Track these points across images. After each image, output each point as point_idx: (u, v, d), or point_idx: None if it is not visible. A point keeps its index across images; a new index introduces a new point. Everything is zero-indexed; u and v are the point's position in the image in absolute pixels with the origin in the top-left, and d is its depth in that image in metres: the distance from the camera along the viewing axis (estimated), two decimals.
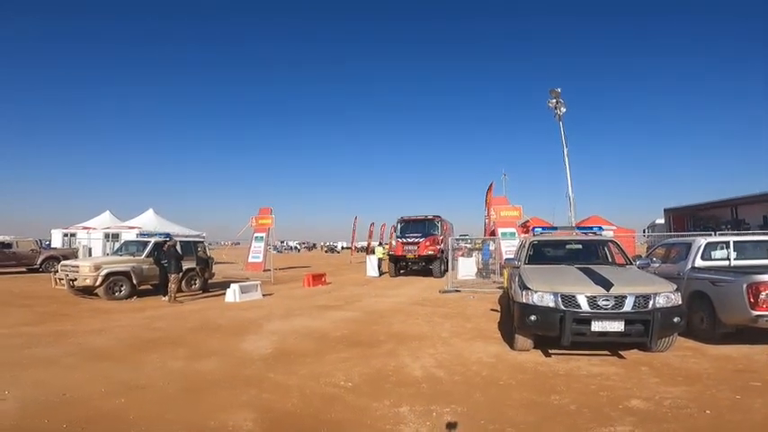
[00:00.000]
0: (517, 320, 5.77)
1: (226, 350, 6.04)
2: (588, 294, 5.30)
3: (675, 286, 5.50)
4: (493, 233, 17.03)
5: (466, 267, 17.23)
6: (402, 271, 19.43)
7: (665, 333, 5.30)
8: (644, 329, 5.11)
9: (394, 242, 19.22)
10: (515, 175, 70.85)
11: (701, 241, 7.21)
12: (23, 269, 19.22)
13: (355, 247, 38.79)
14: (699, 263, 6.97)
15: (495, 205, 17.04)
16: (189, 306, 10.49)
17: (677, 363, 5.21)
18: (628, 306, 5.19)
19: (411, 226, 19.39)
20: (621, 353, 5.59)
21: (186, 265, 12.18)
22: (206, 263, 13.42)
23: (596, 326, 5.15)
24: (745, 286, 5.46)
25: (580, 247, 8.06)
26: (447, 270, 18.28)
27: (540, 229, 8.66)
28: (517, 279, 6.36)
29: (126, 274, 11.35)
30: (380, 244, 25.10)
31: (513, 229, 16.36)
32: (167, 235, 13.07)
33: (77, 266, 11.15)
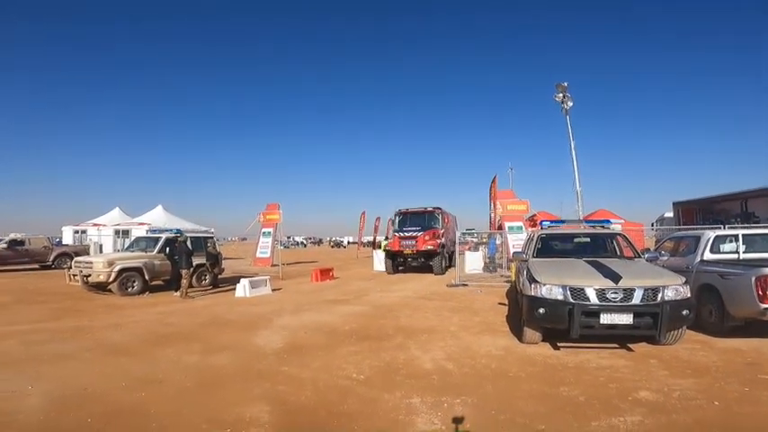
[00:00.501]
0: (526, 313, 5.83)
1: (238, 344, 6.16)
2: (597, 287, 5.34)
3: (684, 279, 5.52)
4: (500, 227, 17.01)
5: (473, 261, 17.26)
6: (401, 268, 18.17)
7: (674, 326, 5.33)
8: (653, 322, 5.14)
9: (390, 236, 18.04)
10: (522, 169, 70.36)
11: (710, 234, 7.20)
12: (36, 266, 19.52)
13: (362, 242, 38.88)
14: (708, 256, 6.97)
15: (501, 199, 16.98)
16: (200, 301, 10.65)
17: (686, 355, 5.25)
18: (636, 299, 5.22)
19: (410, 219, 17.94)
20: (630, 346, 5.64)
21: (196, 261, 12.34)
22: (216, 258, 13.57)
23: (605, 318, 5.19)
24: (753, 279, 5.46)
25: (588, 240, 8.08)
26: (449, 266, 17.93)
27: (548, 223, 8.68)
28: (525, 272, 6.41)
29: (138, 270, 11.52)
30: (387, 238, 25.11)
31: (520, 223, 16.34)
32: (178, 231, 13.21)
33: (91, 263, 11.35)
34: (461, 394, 4.05)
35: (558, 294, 5.44)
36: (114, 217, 28.49)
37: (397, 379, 4.57)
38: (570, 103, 16.97)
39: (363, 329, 7.10)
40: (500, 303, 9.44)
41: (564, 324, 5.31)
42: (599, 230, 8.28)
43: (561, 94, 16.92)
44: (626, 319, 5.17)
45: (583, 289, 5.37)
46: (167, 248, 12.02)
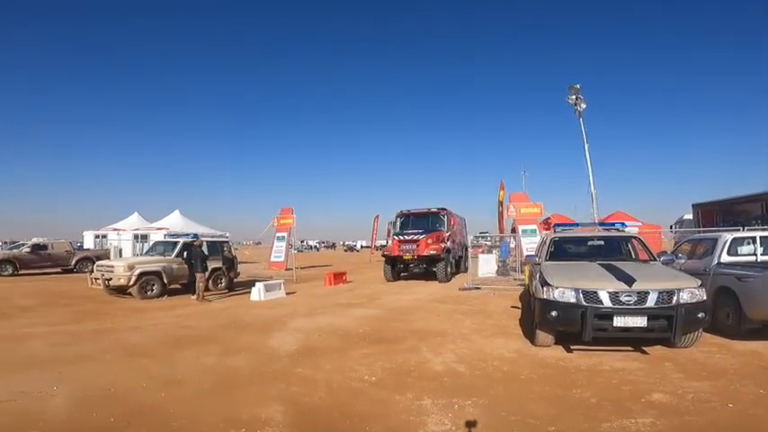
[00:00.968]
0: (538, 316, 5.83)
1: (254, 347, 6.28)
2: (610, 290, 5.32)
3: (700, 282, 5.46)
4: (513, 230, 16.90)
5: (486, 265, 17.17)
6: (403, 274, 16.61)
7: (690, 329, 5.27)
8: (667, 325, 5.11)
9: (389, 240, 16.45)
10: (536, 172, 69.95)
11: (728, 237, 7.10)
12: (59, 269, 20.10)
13: (375, 246, 38.97)
14: (725, 258, 6.87)
15: (515, 202, 16.90)
16: (216, 304, 10.85)
17: (702, 358, 5.19)
18: (651, 301, 5.19)
19: (412, 221, 16.31)
20: (645, 349, 5.59)
21: (212, 265, 12.60)
22: (231, 262, 13.80)
23: (618, 321, 5.17)
24: None
25: (602, 243, 8.03)
26: (456, 272, 16.91)
27: (560, 226, 8.64)
28: (538, 275, 6.40)
29: (157, 274, 11.79)
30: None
31: (534, 227, 16.25)
32: (195, 235, 13.49)
33: (112, 266, 11.66)
34: (472, 396, 4.09)
35: (570, 297, 5.43)
36: (133, 222, 29.16)
37: (408, 381, 4.62)
38: (583, 105, 16.86)
39: (376, 332, 7.16)
40: (513, 306, 9.41)
41: (576, 327, 5.30)
42: (613, 233, 8.22)
43: (574, 96, 16.82)
44: (640, 321, 5.15)
45: (596, 292, 5.36)
46: (185, 253, 12.28)
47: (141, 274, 11.44)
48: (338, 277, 15.54)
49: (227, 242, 15.01)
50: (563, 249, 7.77)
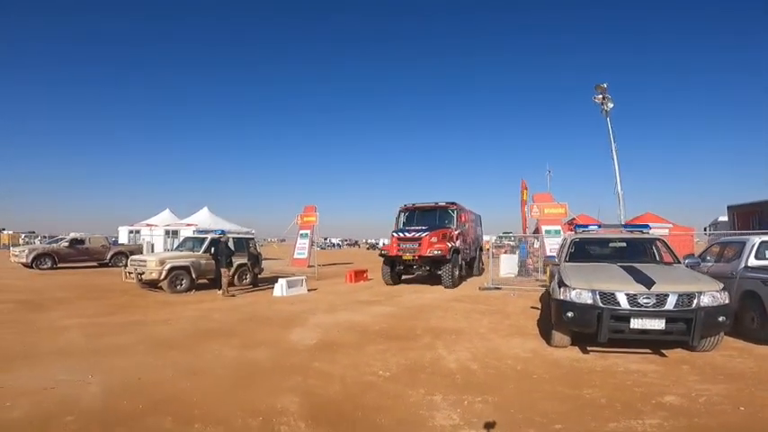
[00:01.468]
0: (554, 317, 5.84)
1: (274, 341, 6.51)
2: (628, 292, 5.29)
3: (722, 285, 5.36)
4: (536, 231, 16.68)
5: (508, 265, 17.03)
6: (406, 277, 14.95)
7: (710, 332, 5.19)
8: (686, 328, 5.05)
9: (388, 239, 14.63)
10: (561, 171, 68.36)
11: (755, 240, 6.90)
12: (95, 263, 21.02)
13: None
14: (752, 262, 6.68)
15: (539, 202, 16.68)
16: (240, 299, 11.21)
17: (721, 362, 5.11)
18: (670, 304, 5.14)
19: (416, 216, 14.66)
20: (664, 351, 5.54)
21: (238, 261, 13.00)
22: (256, 258, 14.20)
23: (636, 323, 5.14)
24: None
25: (624, 245, 7.93)
26: (468, 275, 15.90)
27: (581, 227, 8.54)
28: (556, 276, 6.40)
29: (186, 269, 12.22)
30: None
31: (558, 227, 15.99)
32: (222, 231, 13.90)
33: (145, 261, 12.18)
34: (483, 393, 4.17)
35: (587, 298, 5.42)
36: (165, 218, 30.18)
37: (421, 377, 4.74)
38: (611, 105, 16.42)
39: (393, 329, 7.30)
40: (533, 307, 9.37)
41: (592, 328, 5.29)
42: (636, 235, 8.08)
43: (601, 96, 16.41)
44: (658, 324, 5.10)
45: (613, 293, 5.33)
46: (212, 248, 12.70)
47: (171, 269, 11.89)
48: (359, 275, 15.71)
49: (253, 239, 15.41)
50: (583, 251, 7.70)
